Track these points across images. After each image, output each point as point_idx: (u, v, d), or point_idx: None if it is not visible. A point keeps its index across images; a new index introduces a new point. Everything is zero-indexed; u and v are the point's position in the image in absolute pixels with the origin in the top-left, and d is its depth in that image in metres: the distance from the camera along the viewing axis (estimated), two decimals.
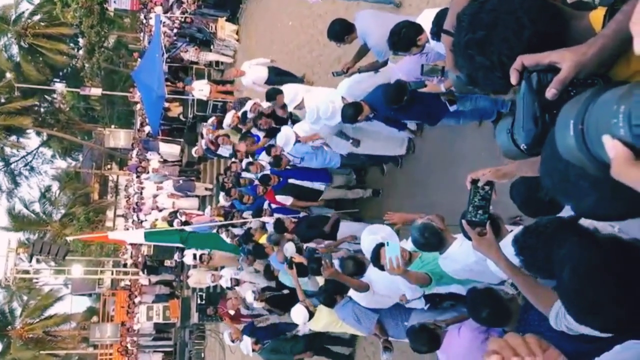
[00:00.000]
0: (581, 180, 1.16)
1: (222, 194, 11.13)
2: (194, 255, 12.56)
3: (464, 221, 2.42)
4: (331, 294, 5.56)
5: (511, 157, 1.79)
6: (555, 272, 1.59)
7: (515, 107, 1.37)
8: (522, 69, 1.27)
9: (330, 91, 6.71)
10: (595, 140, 0.97)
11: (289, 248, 6.87)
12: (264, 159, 8.18)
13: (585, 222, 2.15)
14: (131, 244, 21.57)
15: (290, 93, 7.23)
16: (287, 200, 8.13)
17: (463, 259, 3.59)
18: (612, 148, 0.91)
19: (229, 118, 9.93)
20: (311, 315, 6.15)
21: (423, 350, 3.87)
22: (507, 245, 2.42)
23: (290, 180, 8.04)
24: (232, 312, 10.07)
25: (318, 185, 8.08)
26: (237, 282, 10.22)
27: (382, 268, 4.03)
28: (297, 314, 6.22)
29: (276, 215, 8.09)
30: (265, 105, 8.24)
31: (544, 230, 2.07)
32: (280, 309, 8.17)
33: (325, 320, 6.03)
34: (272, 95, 7.63)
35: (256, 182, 8.53)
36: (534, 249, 2.04)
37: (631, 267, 1.47)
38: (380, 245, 4.03)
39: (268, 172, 8.14)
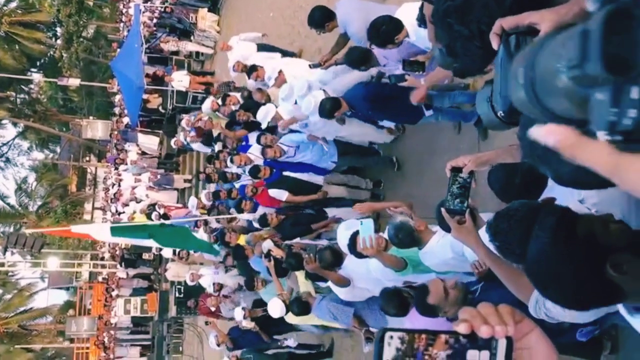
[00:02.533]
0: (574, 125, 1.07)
1: (204, 192, 10.51)
2: (173, 250, 12.37)
3: (442, 209, 2.39)
4: (303, 302, 5.58)
5: (492, 127, 1.74)
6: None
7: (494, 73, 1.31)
8: (502, 32, 1.21)
9: (306, 67, 6.59)
10: (544, 90, 0.87)
11: (267, 245, 6.80)
12: (253, 152, 7.62)
13: (559, 204, 2.13)
14: None
15: (269, 70, 7.02)
16: (282, 195, 7.18)
17: (441, 255, 3.60)
18: (550, 134, 0.81)
19: (207, 103, 9.75)
20: (288, 308, 6.14)
21: (391, 313, 3.99)
22: (482, 234, 2.39)
23: (285, 173, 7.19)
24: (212, 309, 9.88)
25: (316, 178, 7.21)
26: (221, 287, 9.93)
27: (359, 256, 4.02)
28: (274, 307, 6.22)
29: (261, 210, 7.63)
30: (251, 83, 7.98)
31: (515, 213, 2.03)
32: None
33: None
34: (254, 69, 7.39)
35: (244, 179, 7.90)
36: (507, 233, 2.00)
37: (594, 273, 1.41)
38: (357, 233, 4.00)
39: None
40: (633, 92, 0.65)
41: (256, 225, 7.69)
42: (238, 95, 8.69)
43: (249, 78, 7.63)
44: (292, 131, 7.02)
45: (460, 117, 5.64)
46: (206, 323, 9.67)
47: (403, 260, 3.88)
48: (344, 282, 5.07)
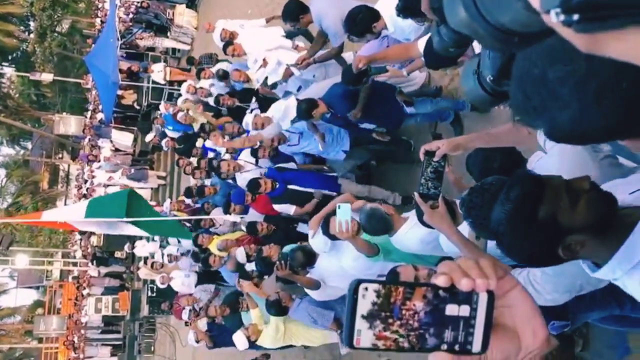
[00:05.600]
0: (559, 87, 0.98)
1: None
2: (145, 260, 12.13)
3: (416, 194, 2.37)
4: (282, 307, 5.51)
5: (478, 103, 1.70)
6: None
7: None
8: None
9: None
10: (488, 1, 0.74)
11: (240, 254, 6.68)
12: (244, 158, 6.95)
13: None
14: (81, 233, 20.92)
15: (254, 52, 6.62)
16: (289, 209, 6.33)
17: (409, 245, 3.62)
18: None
19: (184, 88, 9.61)
20: (252, 342, 6.17)
21: None
22: (464, 228, 2.37)
23: (290, 187, 6.24)
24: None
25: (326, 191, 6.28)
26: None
27: (332, 237, 4.01)
28: (238, 340, 6.23)
29: (251, 212, 7.02)
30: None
31: (489, 187, 2.02)
32: None
33: (270, 338, 6.06)
34: (229, 44, 7.06)
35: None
36: (480, 207, 1.98)
37: (546, 252, 1.45)
38: (332, 214, 4.00)
39: (250, 171, 6.62)
40: None
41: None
42: (213, 69, 8.45)
43: (225, 53, 7.29)
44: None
45: (437, 117, 5.62)
46: (186, 324, 9.40)
47: (375, 246, 3.88)
48: (314, 285, 5.07)
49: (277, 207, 6.39)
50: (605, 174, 1.80)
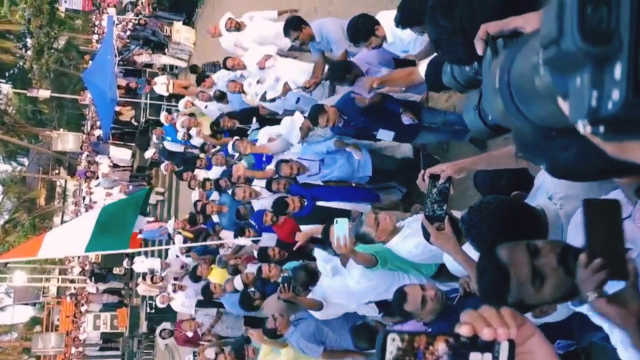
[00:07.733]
0: (560, 138, 1.03)
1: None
2: (144, 276, 12.05)
3: (422, 216, 2.41)
4: (276, 331, 5.34)
5: (479, 135, 1.77)
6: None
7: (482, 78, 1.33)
8: (487, 37, 1.22)
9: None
10: (523, 94, 0.77)
11: (237, 282, 6.66)
12: (259, 184, 6.51)
13: (531, 203, 2.20)
14: None
15: (251, 75, 6.61)
16: (317, 231, 5.29)
17: (400, 253, 3.71)
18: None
19: (182, 104, 9.66)
20: None
21: (363, 347, 4.07)
22: (469, 247, 2.42)
23: (319, 203, 5.63)
24: (190, 334, 9.47)
25: (363, 207, 5.58)
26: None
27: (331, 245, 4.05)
28: None
29: (264, 236, 6.66)
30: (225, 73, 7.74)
31: (487, 206, 2.10)
32: None
33: None
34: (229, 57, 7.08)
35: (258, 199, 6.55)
36: (479, 225, 2.06)
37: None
38: (331, 223, 4.02)
39: (267, 197, 6.15)
40: (616, 71, 0.55)
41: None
42: (214, 76, 8.44)
43: (224, 67, 7.29)
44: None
45: (451, 136, 5.35)
46: (194, 356, 8.84)
47: (374, 257, 3.91)
48: (316, 306, 5.05)
49: (305, 229, 5.70)
50: (594, 189, 1.87)
